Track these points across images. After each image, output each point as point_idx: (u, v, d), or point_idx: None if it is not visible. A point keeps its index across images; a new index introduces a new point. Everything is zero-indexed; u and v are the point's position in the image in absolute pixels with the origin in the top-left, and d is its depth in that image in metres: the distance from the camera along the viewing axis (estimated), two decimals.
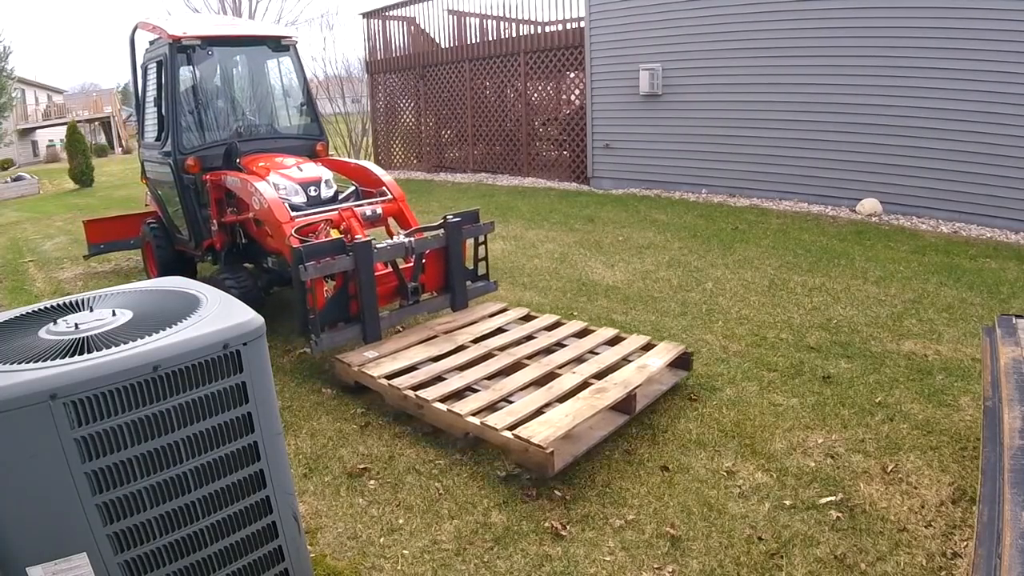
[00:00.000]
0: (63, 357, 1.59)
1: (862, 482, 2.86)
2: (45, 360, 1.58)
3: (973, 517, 2.48)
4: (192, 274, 6.06)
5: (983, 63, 6.63)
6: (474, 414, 3.19)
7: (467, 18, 12.87)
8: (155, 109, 5.75)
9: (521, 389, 3.47)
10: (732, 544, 2.53)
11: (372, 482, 3.08)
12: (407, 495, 2.96)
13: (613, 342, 3.97)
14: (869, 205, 7.69)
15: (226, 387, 1.76)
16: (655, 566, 2.46)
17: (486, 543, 2.63)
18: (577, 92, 11.20)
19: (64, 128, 19.00)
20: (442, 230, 4.47)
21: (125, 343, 1.66)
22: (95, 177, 17.89)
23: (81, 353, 1.62)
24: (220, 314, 1.84)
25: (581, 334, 4.13)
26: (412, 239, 4.27)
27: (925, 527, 2.57)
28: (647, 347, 3.86)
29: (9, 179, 19.37)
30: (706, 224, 7.64)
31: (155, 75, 5.70)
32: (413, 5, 13.71)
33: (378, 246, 4.09)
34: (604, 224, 7.98)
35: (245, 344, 1.78)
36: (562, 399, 3.29)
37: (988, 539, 1.66)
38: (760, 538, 2.56)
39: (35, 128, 33.36)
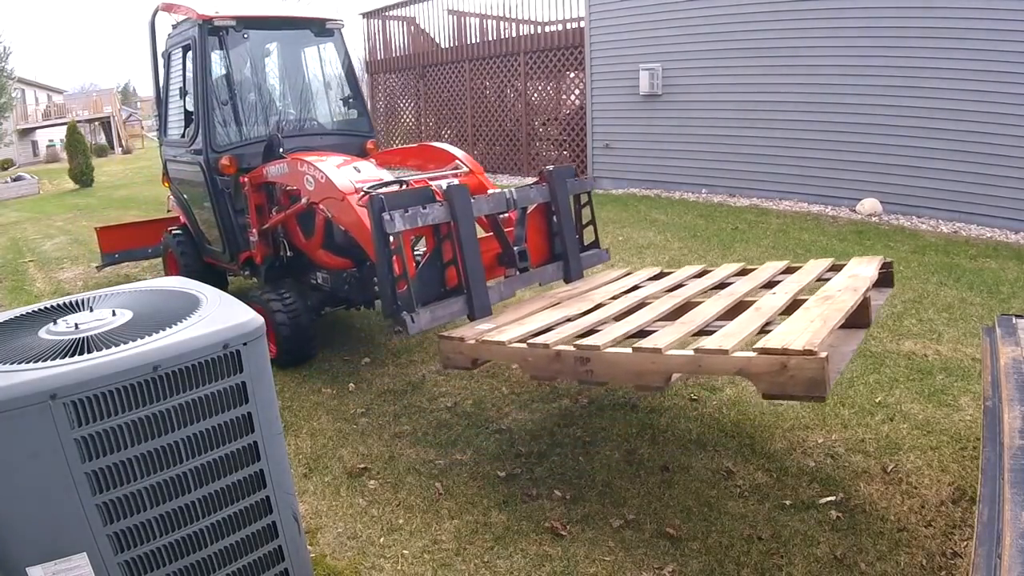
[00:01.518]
0: (63, 357, 1.59)
1: (862, 482, 2.86)
2: (45, 360, 1.58)
3: (973, 517, 2.47)
4: (222, 289, 5.76)
5: (983, 63, 6.63)
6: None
7: (467, 18, 12.87)
8: (180, 101, 5.14)
9: (718, 320, 2.74)
10: (732, 544, 2.53)
11: (372, 482, 3.08)
12: (407, 495, 2.96)
13: (789, 271, 3.32)
14: (869, 205, 7.69)
15: (226, 387, 1.76)
16: (655, 566, 2.46)
17: (486, 543, 2.63)
18: (577, 92, 11.20)
19: (64, 128, 19.01)
20: (543, 183, 3.75)
21: (125, 343, 1.66)
22: (95, 177, 17.90)
23: (81, 353, 1.62)
24: (220, 314, 1.84)
25: (742, 273, 3.46)
26: (513, 190, 3.63)
27: (925, 527, 2.57)
28: (834, 268, 3.24)
29: (9, 179, 19.38)
30: (706, 224, 7.64)
31: (179, 62, 5.10)
32: (413, 5, 13.72)
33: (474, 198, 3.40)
34: (604, 224, 7.98)
35: (245, 344, 1.78)
36: (781, 317, 2.60)
37: (988, 539, 1.66)
38: (760, 538, 2.56)
39: (35, 128, 33.37)
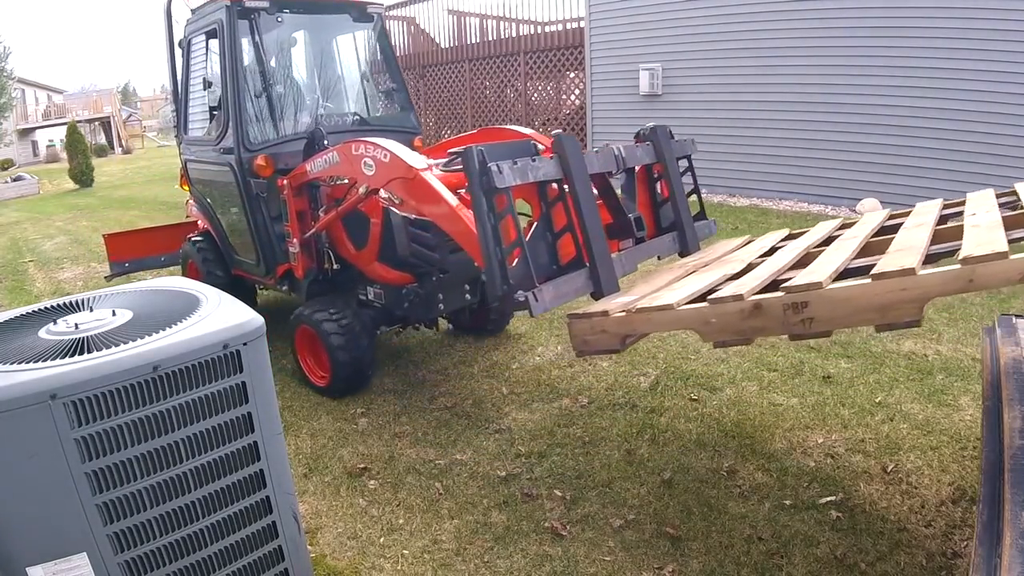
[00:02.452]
0: (63, 357, 1.59)
1: (862, 482, 2.86)
2: (45, 360, 1.58)
3: (973, 517, 2.47)
4: (251, 304, 4.65)
5: (984, 63, 6.63)
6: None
7: (467, 18, 12.88)
8: (203, 94, 4.68)
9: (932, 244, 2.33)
10: (732, 544, 2.53)
11: (372, 482, 3.08)
12: (407, 495, 2.96)
13: (952, 206, 2.96)
14: (869, 205, 7.69)
15: (226, 387, 1.76)
16: (655, 566, 2.46)
17: (486, 543, 2.63)
18: (577, 92, 11.20)
19: (64, 128, 19.01)
20: (647, 142, 3.28)
21: (125, 343, 1.66)
22: (95, 177, 17.89)
23: (81, 353, 1.61)
24: (220, 314, 1.84)
25: (900, 215, 3.00)
26: (620, 147, 3.12)
27: (925, 527, 2.57)
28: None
29: (9, 179, 19.38)
30: None
31: (202, 50, 4.62)
32: (413, 5, 13.73)
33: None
34: None
35: (245, 344, 1.78)
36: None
37: (988, 539, 1.66)
38: (760, 538, 2.56)
39: (35, 128, 33.38)
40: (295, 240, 3.97)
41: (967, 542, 2.45)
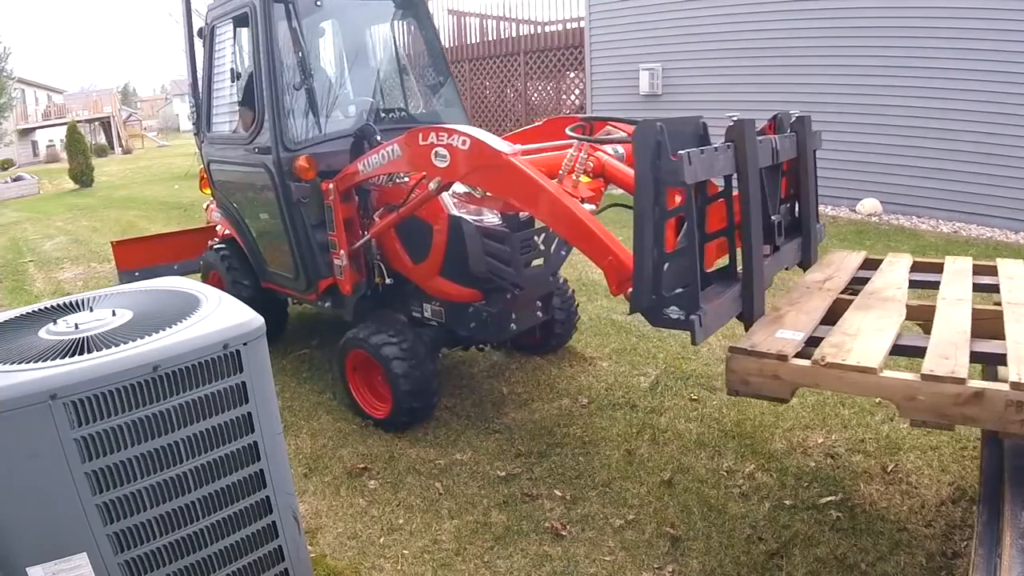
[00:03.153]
0: (63, 357, 1.59)
1: (862, 482, 2.86)
2: (45, 360, 1.58)
3: (973, 517, 2.47)
4: (281, 320, 4.71)
5: (985, 63, 6.63)
6: None
7: (467, 18, 12.88)
8: (230, 87, 4.27)
9: None
10: (732, 544, 2.53)
11: (372, 482, 3.08)
12: (407, 495, 2.96)
13: None
14: (869, 205, 7.69)
15: (226, 387, 1.76)
16: (655, 566, 2.46)
17: (486, 543, 2.63)
18: (577, 92, 11.20)
19: (64, 128, 19.01)
20: (789, 132, 2.77)
21: (125, 343, 1.66)
22: (95, 177, 17.89)
23: (81, 353, 1.61)
24: (220, 314, 1.84)
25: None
26: (775, 138, 2.58)
27: (925, 527, 2.57)
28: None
29: (9, 179, 19.39)
30: None
31: (229, 38, 4.19)
32: None
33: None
34: (603, 223, 7.97)
35: (245, 344, 1.78)
36: None
37: (988, 539, 1.66)
38: (760, 538, 2.56)
39: (35, 128, 33.40)
40: (342, 251, 3.56)
41: (967, 542, 2.45)
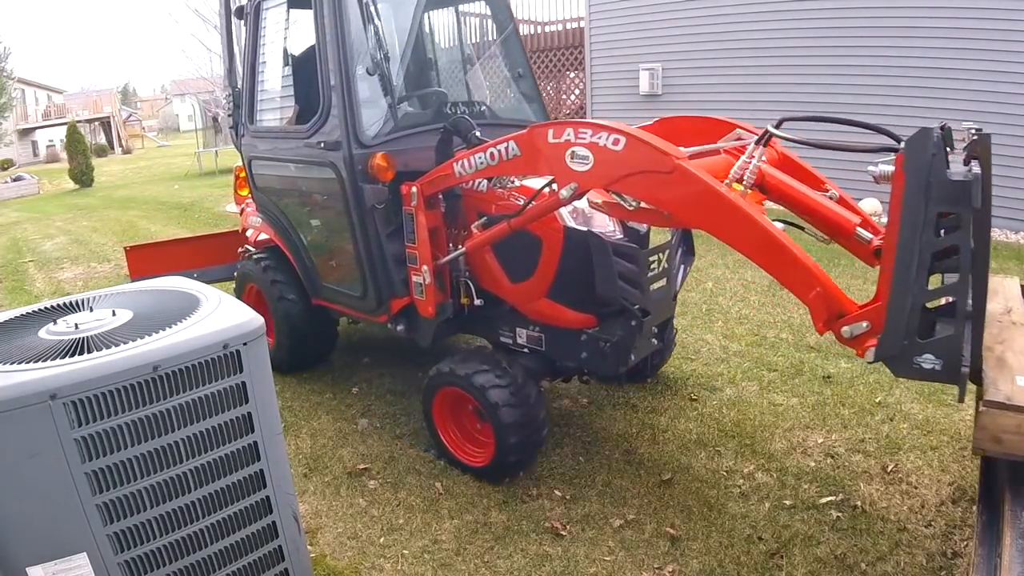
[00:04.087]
0: (63, 357, 1.59)
1: (862, 482, 2.86)
2: (45, 360, 1.58)
3: (973, 517, 2.48)
4: (331, 339, 4.21)
5: (986, 63, 6.63)
6: None
7: (467, 18, 12.87)
8: (282, 71, 3.79)
9: None
10: (732, 544, 2.53)
11: (372, 482, 3.08)
12: (407, 495, 2.96)
13: None
14: (869, 205, 7.66)
15: (226, 387, 1.76)
16: (655, 566, 2.46)
17: (486, 542, 2.63)
18: (577, 92, 11.21)
19: (64, 128, 19.02)
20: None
21: (125, 343, 1.66)
22: (95, 177, 17.90)
23: (81, 353, 1.62)
24: (220, 314, 1.84)
25: None
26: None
27: (925, 527, 2.57)
28: None
29: (9, 179, 19.39)
30: None
31: (281, 17, 3.73)
32: None
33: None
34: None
35: (245, 344, 1.78)
36: None
37: (988, 539, 1.66)
38: (760, 538, 2.56)
39: (35, 128, 33.40)
40: (424, 267, 3.06)
41: (967, 542, 2.45)
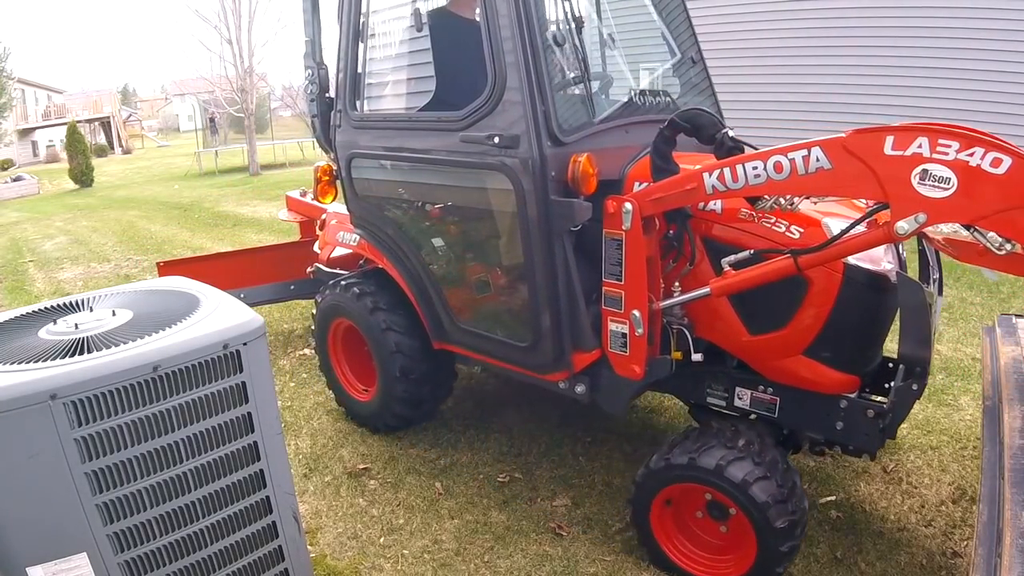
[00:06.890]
0: (63, 357, 1.59)
1: (862, 482, 2.86)
2: (45, 360, 1.58)
3: (973, 517, 2.48)
4: (447, 391, 3.39)
5: (988, 63, 6.64)
6: None
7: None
8: (408, 42, 3.04)
9: None
10: None
11: (372, 482, 3.08)
12: (407, 495, 2.96)
13: None
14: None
15: (226, 387, 1.76)
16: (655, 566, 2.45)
17: (486, 542, 2.63)
18: None
19: (64, 128, 19.02)
20: None
21: (125, 343, 1.66)
22: (95, 177, 17.91)
23: (81, 353, 1.62)
24: (220, 314, 1.84)
25: None
26: None
27: (925, 527, 2.57)
28: None
29: (9, 179, 19.39)
30: None
31: None
32: None
33: None
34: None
35: (245, 344, 1.78)
36: None
37: (988, 539, 1.66)
38: None
39: (35, 128, 33.38)
40: (636, 312, 2.36)
41: (967, 542, 2.45)
